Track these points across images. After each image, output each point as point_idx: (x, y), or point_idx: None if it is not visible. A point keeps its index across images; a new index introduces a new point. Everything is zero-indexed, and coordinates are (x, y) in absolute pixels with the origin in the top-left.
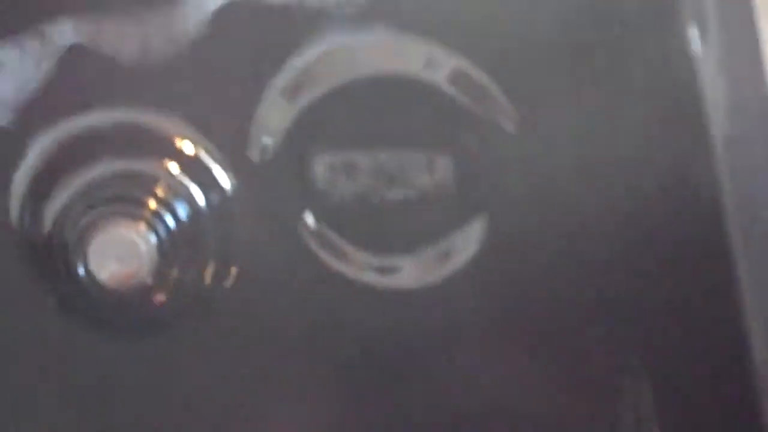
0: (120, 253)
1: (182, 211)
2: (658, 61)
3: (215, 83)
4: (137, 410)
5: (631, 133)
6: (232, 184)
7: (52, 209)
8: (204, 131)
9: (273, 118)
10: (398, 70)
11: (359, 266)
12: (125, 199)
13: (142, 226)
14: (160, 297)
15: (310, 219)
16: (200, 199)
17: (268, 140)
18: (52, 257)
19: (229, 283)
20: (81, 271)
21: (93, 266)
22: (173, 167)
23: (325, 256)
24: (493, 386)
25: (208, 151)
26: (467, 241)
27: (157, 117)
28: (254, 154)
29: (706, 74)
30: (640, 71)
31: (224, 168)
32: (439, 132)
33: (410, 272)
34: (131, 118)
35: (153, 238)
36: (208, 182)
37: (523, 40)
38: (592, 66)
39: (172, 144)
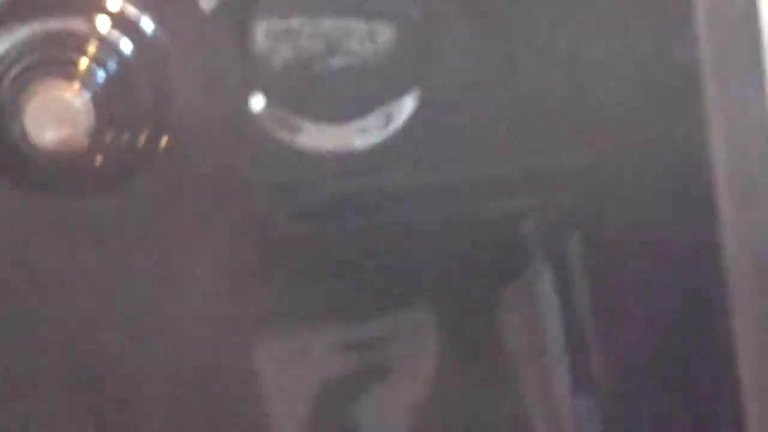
0: (56, 115)
1: (114, 67)
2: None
3: None
4: (76, 267)
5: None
6: (167, 41)
7: None
8: None
9: None
10: None
11: (299, 131)
12: (56, 59)
13: (76, 85)
14: (96, 159)
15: (249, 83)
16: (132, 55)
17: (208, 3)
18: None
19: (163, 145)
20: (17, 135)
21: (30, 130)
22: (102, 24)
23: (264, 121)
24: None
25: (140, 8)
26: (406, 106)
27: None
28: (191, 13)
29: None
30: None
31: (159, 25)
32: (382, 1)
33: (345, 136)
34: None
35: (87, 96)
36: (139, 38)
37: None
38: None
39: (101, 1)
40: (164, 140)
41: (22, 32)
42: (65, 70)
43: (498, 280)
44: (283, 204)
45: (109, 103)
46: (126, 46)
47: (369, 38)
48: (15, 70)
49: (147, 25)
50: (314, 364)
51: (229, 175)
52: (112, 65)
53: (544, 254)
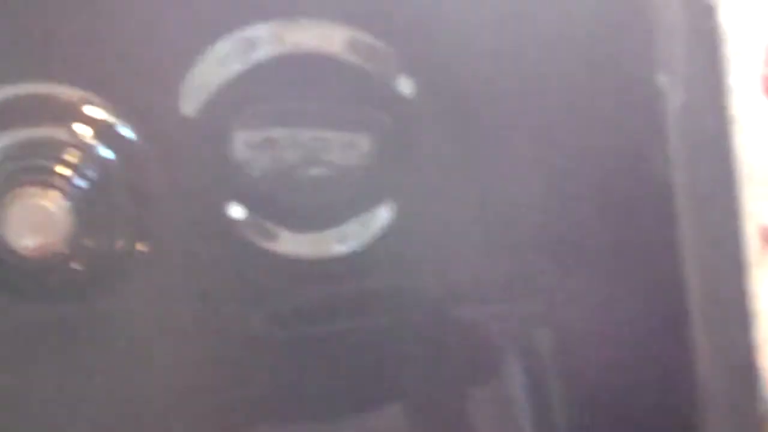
0: (35, 223)
1: (93, 175)
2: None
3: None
4: (54, 373)
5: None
6: (147, 148)
7: None
8: (122, 98)
9: (195, 90)
10: (320, 48)
11: (277, 238)
12: (37, 167)
13: (55, 194)
14: (75, 265)
15: (227, 192)
16: (112, 163)
17: (189, 110)
18: None
19: (141, 251)
20: None
21: (9, 236)
22: (82, 132)
23: (243, 229)
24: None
25: (121, 117)
26: (382, 214)
27: (64, 86)
28: (172, 119)
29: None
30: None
31: (139, 131)
32: (359, 112)
33: (323, 243)
34: (38, 89)
35: (66, 204)
36: (119, 145)
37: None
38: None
39: (80, 110)
40: (142, 246)
41: (1, 140)
42: (45, 178)
43: (470, 381)
44: (259, 308)
45: (88, 210)
46: (106, 153)
47: (347, 149)
48: None
49: (127, 132)
50: None
51: (206, 279)
52: (92, 173)
53: (515, 355)
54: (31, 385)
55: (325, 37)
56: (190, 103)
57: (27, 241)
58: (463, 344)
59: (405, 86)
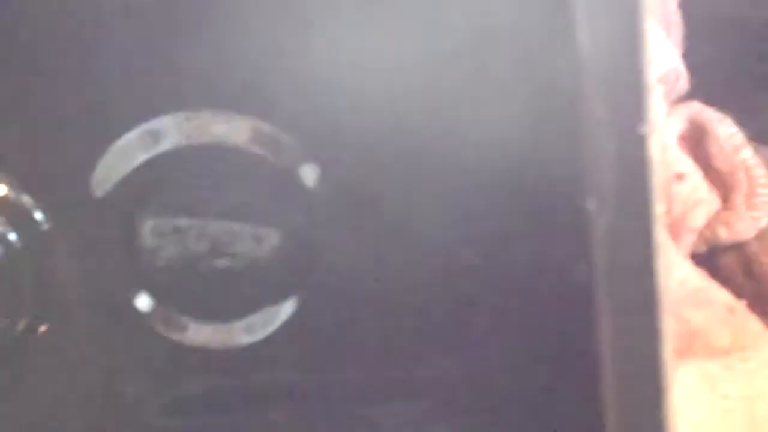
0: None
1: None
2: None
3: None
4: None
5: None
6: (53, 228)
7: None
8: (31, 180)
9: (104, 177)
10: (225, 139)
11: (185, 329)
12: None
13: None
14: None
15: (134, 279)
16: (15, 242)
17: (98, 195)
18: None
19: (42, 332)
20: None
21: None
22: None
23: (149, 319)
24: None
25: (29, 198)
26: (288, 307)
27: None
28: (80, 201)
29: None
30: None
31: (46, 211)
32: (268, 206)
33: (229, 334)
34: None
35: None
36: (24, 225)
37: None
38: None
39: None
40: (42, 328)
41: None
42: None
43: None
44: (157, 395)
45: None
46: (10, 232)
47: (254, 242)
48: None
49: (34, 210)
50: None
51: (108, 363)
52: None
53: None
54: None
55: (230, 129)
56: (99, 189)
57: None
58: None
59: (309, 176)
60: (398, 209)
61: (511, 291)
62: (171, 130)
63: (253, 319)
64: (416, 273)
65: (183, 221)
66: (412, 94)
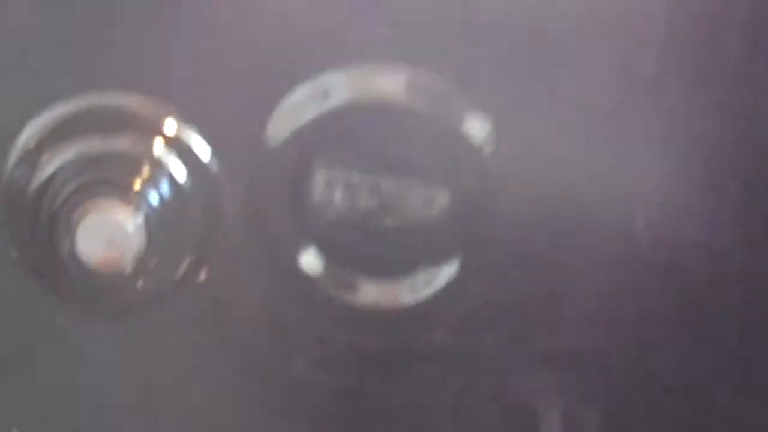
0: (107, 236)
1: (166, 192)
2: None
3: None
4: (97, 388)
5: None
6: (222, 172)
7: (39, 179)
8: (204, 122)
9: (282, 122)
10: (394, 96)
11: (340, 284)
12: (111, 180)
13: (129, 208)
14: (137, 283)
15: (299, 231)
16: (185, 182)
17: (272, 141)
18: (34, 225)
19: (202, 277)
20: (67, 250)
21: (80, 248)
22: (157, 147)
23: (308, 270)
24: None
25: (198, 133)
26: (450, 269)
27: (144, 100)
28: (252, 147)
29: None
30: None
31: (216, 155)
32: (441, 167)
33: (394, 293)
34: (122, 100)
35: (139, 220)
36: (193, 165)
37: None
38: None
39: (160, 127)
40: (203, 273)
41: (76, 150)
42: (119, 191)
43: None
44: (312, 351)
45: (158, 228)
46: (180, 171)
47: (425, 202)
48: (69, 188)
49: (203, 152)
50: None
51: (264, 316)
52: (165, 190)
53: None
54: (75, 394)
55: (396, 84)
56: (272, 140)
57: (97, 254)
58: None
59: (479, 132)
60: (576, 172)
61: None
62: (340, 86)
63: (417, 278)
64: (590, 245)
65: (355, 176)
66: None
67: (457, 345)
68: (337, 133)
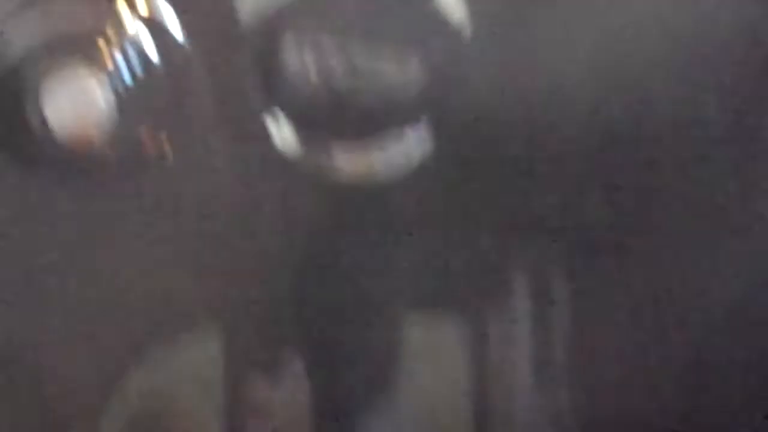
0: (78, 103)
1: (138, 66)
2: None
3: None
4: (63, 258)
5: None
6: (194, 47)
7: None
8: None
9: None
10: None
11: (317, 148)
12: (85, 49)
13: (101, 76)
14: (109, 155)
15: (269, 97)
16: (157, 57)
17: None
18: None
19: (171, 149)
20: (37, 118)
21: (50, 114)
22: (130, 24)
23: (278, 134)
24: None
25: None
26: (421, 140)
27: None
28: (223, 23)
29: None
30: None
31: (188, 30)
32: (414, 33)
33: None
34: None
35: (110, 89)
36: (166, 42)
37: None
38: None
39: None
40: (173, 140)
41: (48, 18)
42: (92, 60)
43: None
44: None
45: (130, 100)
46: (152, 48)
47: (397, 65)
48: (39, 54)
49: (175, 29)
50: None
51: (231, 190)
52: (136, 63)
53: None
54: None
55: None
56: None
57: (68, 121)
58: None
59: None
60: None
61: None
62: None
63: (390, 149)
64: (563, 128)
65: (325, 38)
66: None
67: (428, 216)
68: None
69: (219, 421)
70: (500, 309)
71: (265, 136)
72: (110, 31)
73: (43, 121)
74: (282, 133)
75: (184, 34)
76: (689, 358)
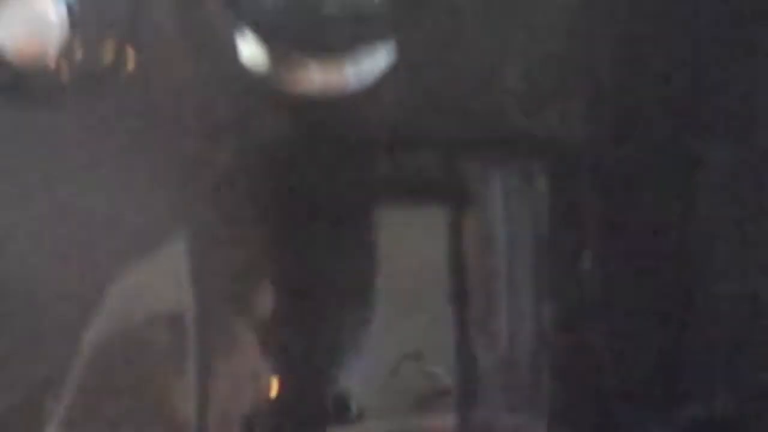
0: (29, 25)
1: None
2: None
3: None
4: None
5: None
6: None
7: None
8: None
9: None
10: None
11: (288, 65)
12: None
13: None
14: (62, 73)
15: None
16: None
17: None
18: None
19: (130, 65)
20: None
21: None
22: None
23: (238, 49)
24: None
25: None
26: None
27: None
28: None
29: None
30: None
31: None
32: None
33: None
34: None
35: (63, 8)
36: None
37: None
38: None
39: None
40: (130, 61)
41: None
42: None
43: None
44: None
45: (82, 16)
46: None
47: None
48: None
49: None
50: None
51: (189, 106)
52: None
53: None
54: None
55: None
56: None
57: (19, 44)
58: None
59: None
60: None
61: None
62: None
63: (359, 60)
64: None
65: None
66: None
67: (398, 136)
68: None
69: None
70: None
71: (229, 52)
72: None
73: None
74: (247, 48)
75: None
76: None
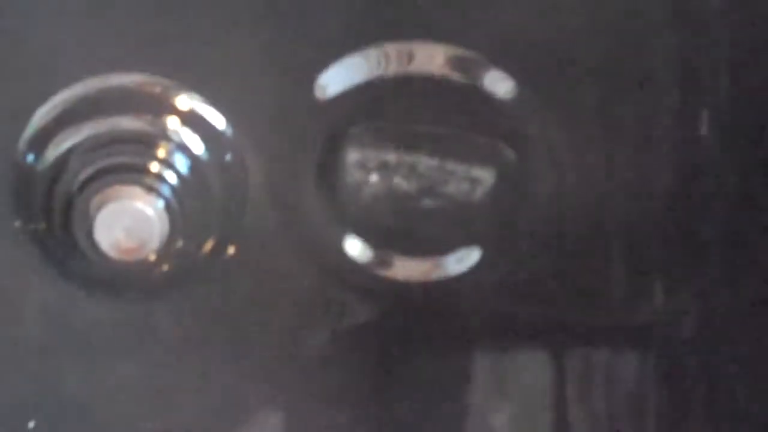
0: (129, 224)
1: (185, 169)
2: None
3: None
4: (120, 371)
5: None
6: (241, 141)
7: (51, 159)
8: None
9: (298, 104)
10: (433, 70)
11: (390, 265)
12: (127, 164)
13: (151, 196)
14: (162, 267)
15: (330, 212)
16: (203, 156)
17: (295, 123)
18: (47, 209)
19: (228, 255)
20: (85, 239)
21: (99, 237)
22: (171, 123)
23: (336, 245)
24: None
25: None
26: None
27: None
28: (274, 134)
29: None
30: None
31: (233, 124)
32: (483, 146)
33: (438, 267)
34: (128, 79)
35: (160, 204)
36: (210, 137)
37: None
38: None
39: (171, 101)
40: (230, 251)
41: (88, 132)
42: (137, 176)
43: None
44: (322, 325)
45: (180, 208)
46: (197, 146)
47: (468, 184)
48: (85, 174)
49: (219, 123)
50: None
51: (287, 291)
52: (183, 167)
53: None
54: (105, 381)
55: (432, 58)
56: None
57: (120, 243)
58: None
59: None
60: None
61: None
62: (387, 58)
63: (455, 256)
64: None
65: (391, 156)
66: None
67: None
68: (369, 108)
69: None
70: None
71: (329, 245)
72: (156, 142)
73: (92, 241)
74: (350, 245)
75: (230, 129)
76: None
